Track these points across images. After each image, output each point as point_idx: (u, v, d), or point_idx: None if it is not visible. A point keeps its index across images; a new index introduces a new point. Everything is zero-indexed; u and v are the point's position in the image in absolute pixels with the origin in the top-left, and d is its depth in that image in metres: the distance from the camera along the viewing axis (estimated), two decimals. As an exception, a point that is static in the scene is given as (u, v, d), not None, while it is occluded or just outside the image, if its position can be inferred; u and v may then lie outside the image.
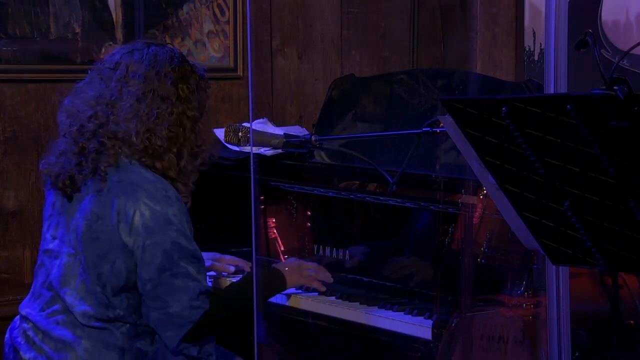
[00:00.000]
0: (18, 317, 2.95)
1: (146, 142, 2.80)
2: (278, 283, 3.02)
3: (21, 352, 2.85)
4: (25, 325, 2.89)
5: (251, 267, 3.31)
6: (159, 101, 2.82)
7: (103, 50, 3.87)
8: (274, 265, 3.11)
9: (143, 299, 2.77)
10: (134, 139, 2.79)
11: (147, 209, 2.72)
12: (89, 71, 2.95)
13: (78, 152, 2.82)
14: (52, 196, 2.93)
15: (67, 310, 2.80)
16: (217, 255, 3.36)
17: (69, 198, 2.84)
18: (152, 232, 2.71)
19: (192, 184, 2.91)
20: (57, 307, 2.83)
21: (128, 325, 2.79)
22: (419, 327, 2.91)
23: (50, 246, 2.88)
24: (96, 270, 2.75)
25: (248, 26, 4.09)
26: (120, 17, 3.93)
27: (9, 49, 3.74)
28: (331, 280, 3.18)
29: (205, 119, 2.93)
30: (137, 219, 2.71)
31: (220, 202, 3.70)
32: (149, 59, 2.86)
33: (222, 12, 4.17)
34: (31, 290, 2.94)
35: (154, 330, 2.81)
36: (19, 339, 2.88)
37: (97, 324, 2.77)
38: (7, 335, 2.97)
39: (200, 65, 3.00)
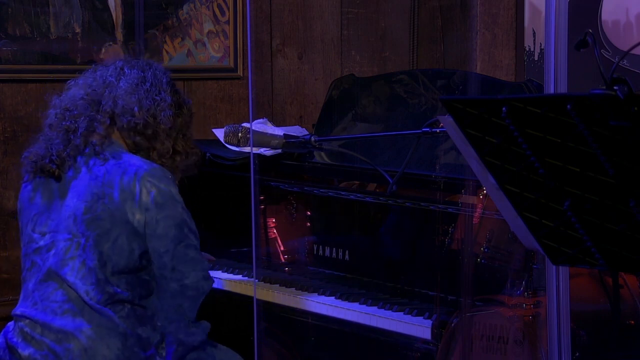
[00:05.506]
0: (12, 322, 2.93)
1: (146, 119, 2.87)
2: None
3: (19, 350, 2.82)
4: (20, 323, 2.86)
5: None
6: (157, 91, 2.91)
7: (103, 50, 3.87)
8: None
9: (161, 277, 2.84)
10: (137, 112, 2.86)
11: (153, 187, 2.81)
12: (82, 73, 3.00)
13: (65, 131, 2.87)
14: (29, 190, 2.93)
15: (68, 294, 2.79)
16: None
17: (57, 179, 2.86)
18: (162, 207, 2.81)
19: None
20: (57, 295, 2.81)
21: (127, 307, 2.81)
22: (418, 327, 2.91)
23: (41, 243, 2.87)
24: (98, 248, 2.79)
25: (248, 26, 4.09)
26: (120, 17, 3.93)
27: (9, 49, 3.74)
28: (213, 259, 3.49)
29: (191, 133, 3.04)
30: (144, 196, 2.80)
31: (221, 202, 3.70)
32: (144, 62, 2.99)
33: (222, 12, 4.17)
34: (22, 294, 2.92)
35: (153, 316, 2.86)
36: (15, 339, 2.85)
37: (97, 306, 2.77)
38: (0, 340, 2.94)
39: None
